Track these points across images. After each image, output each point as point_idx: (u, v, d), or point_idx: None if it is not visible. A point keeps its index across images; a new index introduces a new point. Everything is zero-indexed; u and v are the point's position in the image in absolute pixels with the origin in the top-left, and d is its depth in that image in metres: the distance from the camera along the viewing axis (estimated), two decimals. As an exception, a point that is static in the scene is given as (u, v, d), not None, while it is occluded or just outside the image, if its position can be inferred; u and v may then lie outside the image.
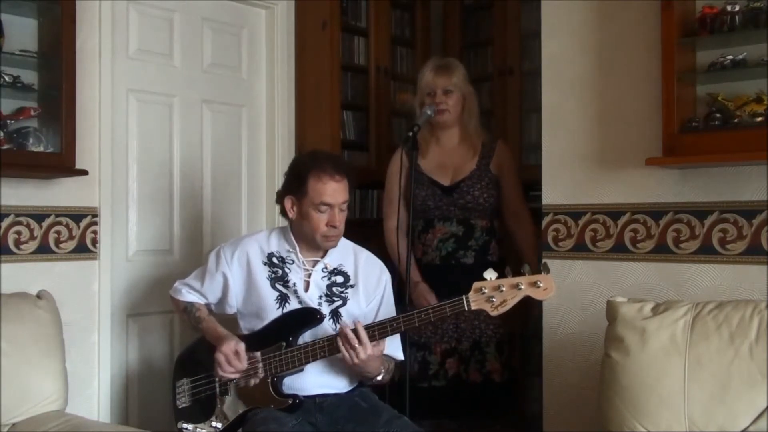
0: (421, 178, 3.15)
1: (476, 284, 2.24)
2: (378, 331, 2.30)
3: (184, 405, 2.55)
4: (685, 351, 2.18)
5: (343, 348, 2.28)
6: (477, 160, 3.22)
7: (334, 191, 2.41)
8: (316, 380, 2.44)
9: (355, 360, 2.28)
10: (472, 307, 2.24)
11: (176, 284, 2.63)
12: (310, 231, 2.45)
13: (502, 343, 3.18)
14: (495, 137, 3.35)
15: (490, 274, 2.24)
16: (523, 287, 2.22)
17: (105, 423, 2.95)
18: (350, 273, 2.54)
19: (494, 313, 2.24)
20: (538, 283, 2.22)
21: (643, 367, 2.22)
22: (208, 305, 2.59)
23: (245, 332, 2.52)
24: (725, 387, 2.12)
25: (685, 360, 2.17)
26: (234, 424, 2.43)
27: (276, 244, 2.55)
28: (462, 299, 2.24)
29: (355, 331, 2.27)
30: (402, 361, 2.57)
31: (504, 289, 2.22)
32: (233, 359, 2.35)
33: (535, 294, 2.23)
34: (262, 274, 2.50)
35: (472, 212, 3.19)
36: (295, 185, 2.46)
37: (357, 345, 2.26)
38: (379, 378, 2.44)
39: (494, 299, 2.23)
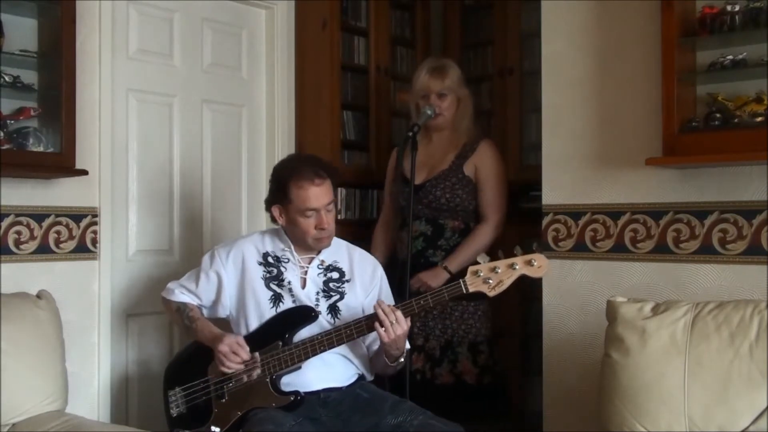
0: (401, 176, 3.14)
1: (472, 267, 2.29)
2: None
3: (178, 413, 2.53)
4: (685, 351, 2.18)
5: (380, 327, 2.31)
6: (452, 159, 3.19)
7: (316, 196, 2.41)
8: (317, 375, 2.44)
9: (392, 335, 2.31)
10: (470, 290, 2.28)
11: (169, 285, 2.63)
12: (302, 235, 2.46)
13: (477, 344, 3.13)
14: (480, 137, 3.24)
15: (482, 258, 2.28)
16: (518, 267, 2.26)
17: (105, 423, 2.95)
18: (345, 269, 2.56)
19: (492, 294, 2.28)
20: (533, 261, 2.26)
21: (643, 367, 2.21)
22: (200, 307, 2.59)
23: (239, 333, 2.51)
24: (725, 387, 2.12)
25: (685, 360, 2.17)
26: (235, 426, 2.42)
27: (270, 244, 2.56)
28: (460, 283, 2.28)
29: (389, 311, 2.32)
30: (409, 349, 2.58)
31: (500, 270, 2.26)
32: (238, 349, 2.36)
33: (531, 272, 2.27)
34: (256, 273, 2.51)
35: (440, 212, 3.16)
36: (278, 194, 2.48)
37: (395, 322, 2.30)
38: (402, 360, 2.47)
39: (491, 280, 2.27)
